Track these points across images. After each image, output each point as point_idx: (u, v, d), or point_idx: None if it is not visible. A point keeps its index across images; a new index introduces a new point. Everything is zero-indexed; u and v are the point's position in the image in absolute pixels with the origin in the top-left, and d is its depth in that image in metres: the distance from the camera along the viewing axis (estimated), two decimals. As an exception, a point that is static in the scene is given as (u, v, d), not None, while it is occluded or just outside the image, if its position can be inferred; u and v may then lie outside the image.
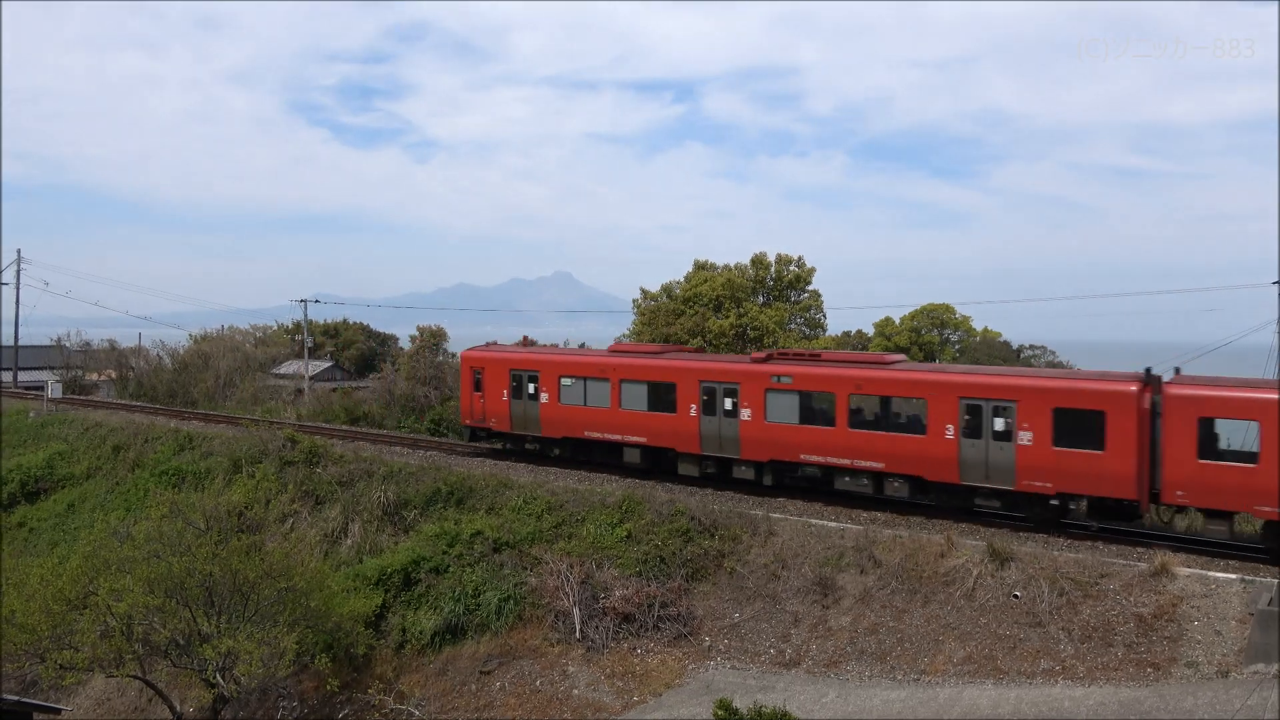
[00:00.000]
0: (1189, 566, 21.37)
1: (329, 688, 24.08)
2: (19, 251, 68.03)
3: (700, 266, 62.79)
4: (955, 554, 23.13)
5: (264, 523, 29.00)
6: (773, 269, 62.37)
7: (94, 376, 71.41)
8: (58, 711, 23.83)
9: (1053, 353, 61.14)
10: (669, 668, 22.86)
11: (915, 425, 26.20)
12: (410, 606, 26.16)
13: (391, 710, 23.74)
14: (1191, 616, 19.87)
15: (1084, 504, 24.22)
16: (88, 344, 75.26)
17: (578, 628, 23.95)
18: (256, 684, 23.16)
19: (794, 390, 28.12)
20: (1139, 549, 22.86)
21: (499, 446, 36.03)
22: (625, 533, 26.53)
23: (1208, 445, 22.41)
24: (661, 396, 30.79)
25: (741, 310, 57.95)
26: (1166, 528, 25.10)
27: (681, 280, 62.37)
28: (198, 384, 64.36)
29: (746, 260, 62.43)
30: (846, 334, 65.77)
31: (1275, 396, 21.66)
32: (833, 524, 25.83)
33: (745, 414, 28.86)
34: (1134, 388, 23.26)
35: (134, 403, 57.84)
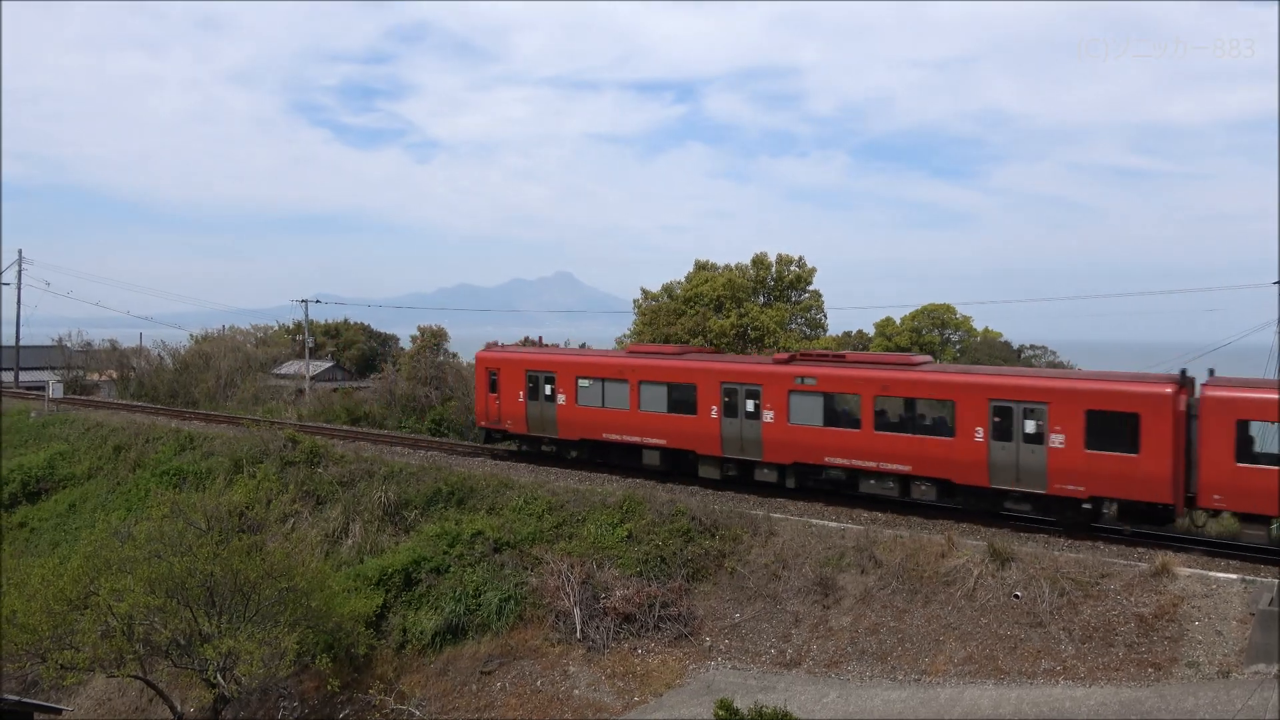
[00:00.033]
0: (1190, 567, 21.36)
1: (330, 688, 24.08)
2: (20, 251, 68.14)
3: (701, 267, 62.77)
4: (956, 554, 23.13)
5: (265, 523, 29.03)
6: (773, 269, 62.35)
7: (95, 377, 71.45)
8: (59, 711, 23.84)
9: (1053, 353, 61.08)
10: (670, 668, 22.85)
11: (943, 427, 25.85)
12: (411, 607, 26.17)
13: (392, 710, 23.74)
14: (1192, 617, 19.86)
15: (1115, 508, 23.87)
16: (89, 344, 75.29)
17: (578, 628, 23.95)
18: (257, 684, 23.17)
19: (818, 392, 27.75)
20: (1139, 549, 22.88)
21: (515, 448, 35.69)
22: (626, 533, 26.54)
23: (1245, 448, 22.05)
24: (682, 398, 30.41)
25: (742, 310, 57.94)
26: (1199, 532, 24.93)
27: (682, 280, 62.36)
28: (199, 384, 64.39)
29: (747, 260, 62.41)
30: (847, 334, 65.74)
31: None
32: (833, 524, 25.83)
33: (768, 416, 28.52)
34: (1169, 390, 22.89)
35: (135, 403, 57.85)
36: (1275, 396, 21.89)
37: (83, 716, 27.41)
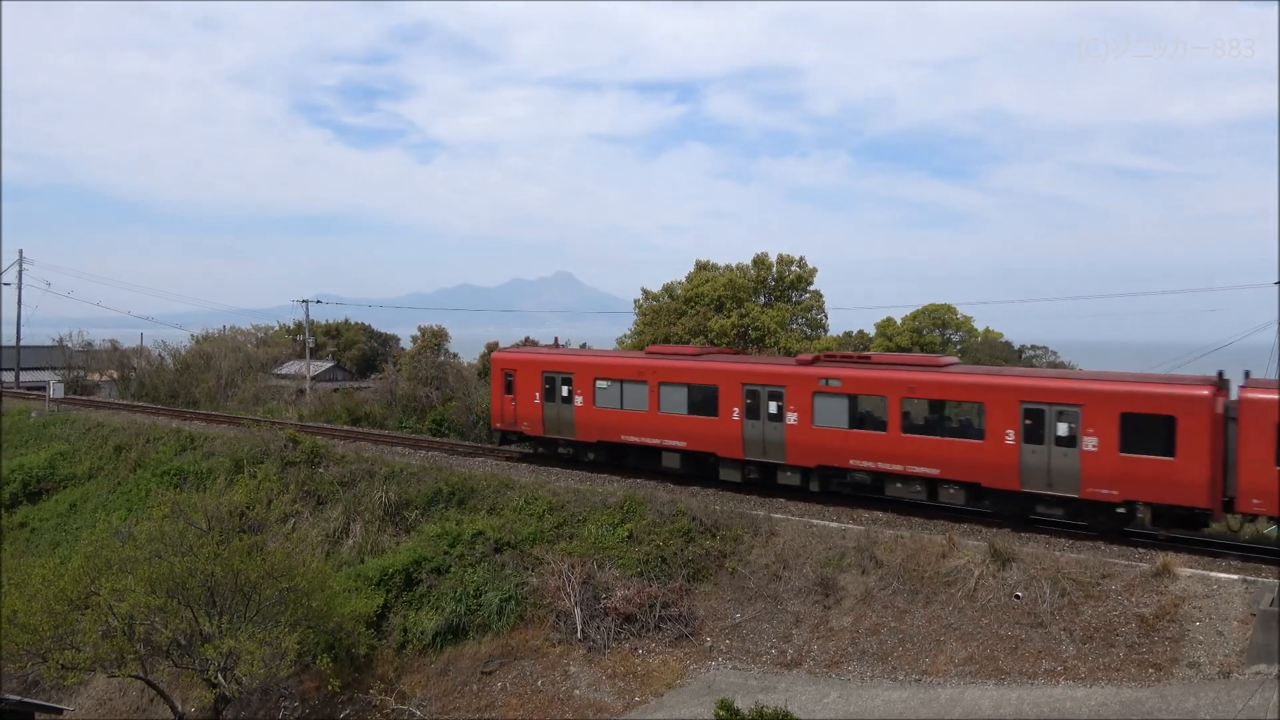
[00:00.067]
0: (1191, 567, 21.36)
1: (330, 688, 24.09)
2: (21, 252, 68.19)
3: (702, 267, 62.77)
4: (957, 554, 23.12)
5: (266, 523, 29.02)
6: (774, 269, 62.34)
7: (96, 377, 71.53)
8: (60, 711, 23.84)
9: (1054, 353, 61.03)
10: (670, 668, 22.85)
11: (972, 430, 25.52)
12: (412, 607, 26.17)
13: (393, 710, 23.75)
14: (1193, 617, 19.86)
15: (1149, 512, 23.48)
16: (89, 344, 75.38)
17: (579, 628, 23.95)
18: (258, 684, 23.15)
19: (843, 394, 27.35)
20: (1140, 550, 22.88)
21: (531, 450, 35.28)
22: (626, 533, 26.53)
23: None
24: (702, 400, 29.97)
25: (743, 311, 57.94)
26: (1233, 536, 24.71)
27: (683, 280, 62.37)
28: (199, 384, 64.41)
29: (748, 260, 62.40)
30: (848, 334, 65.68)
31: None
32: (834, 524, 25.82)
33: (791, 418, 28.13)
34: (1206, 392, 22.53)
35: (136, 403, 57.88)
36: None
37: (84, 716, 27.42)
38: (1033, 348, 62.12)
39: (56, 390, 57.82)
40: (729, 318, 57.32)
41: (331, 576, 26.39)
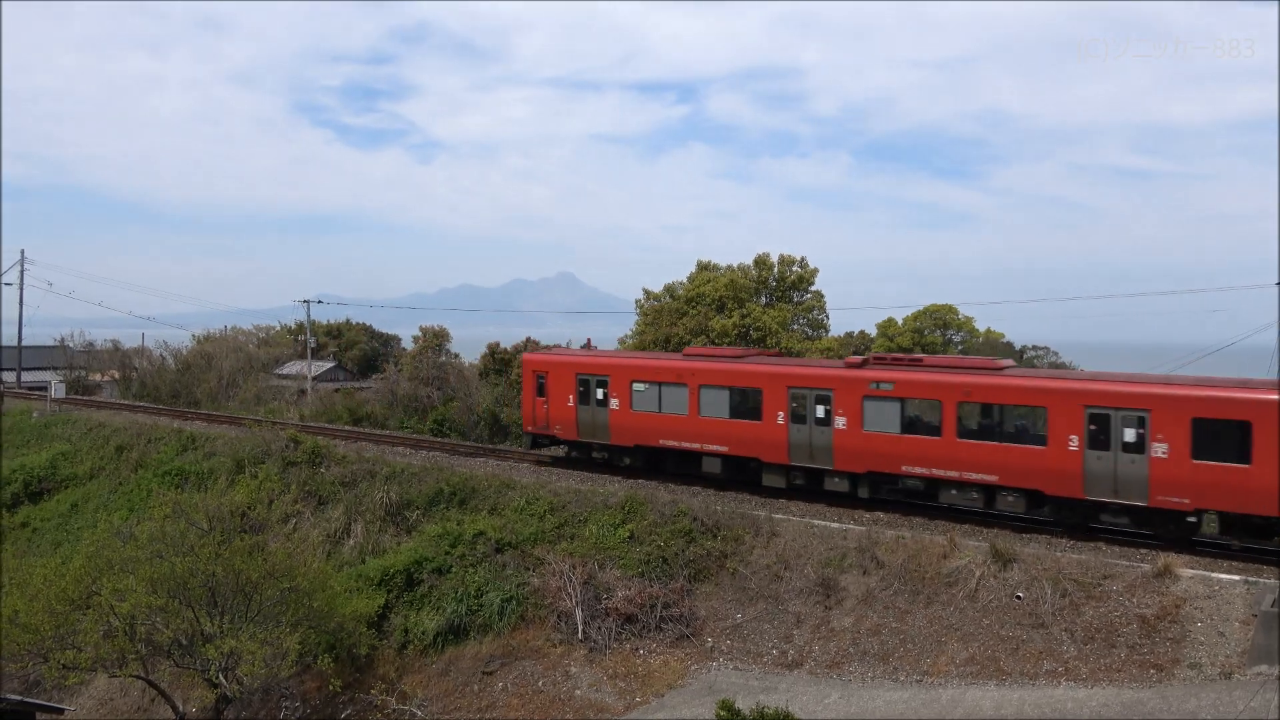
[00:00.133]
0: (1192, 568, 21.34)
1: (331, 688, 24.12)
2: (22, 252, 68.24)
3: (703, 267, 62.76)
4: (958, 555, 23.11)
5: (267, 523, 29.07)
6: (775, 269, 62.31)
7: (97, 377, 71.62)
8: (61, 711, 23.87)
9: (1055, 354, 61.01)
10: (671, 668, 22.86)
11: (1033, 435, 24.77)
12: (413, 607, 26.19)
13: (394, 711, 23.76)
14: (1195, 618, 19.84)
15: (1217, 522, 22.97)
16: (91, 344, 75.49)
17: (580, 628, 23.96)
18: (259, 684, 23.19)
19: (895, 397, 26.61)
20: (1141, 550, 22.86)
21: (563, 455, 34.71)
22: (628, 533, 26.54)
23: None
24: (745, 403, 29.18)
25: (744, 311, 57.93)
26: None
27: (684, 280, 62.36)
28: (201, 384, 64.48)
29: (749, 261, 62.37)
30: (849, 334, 65.67)
31: None
32: (835, 525, 25.81)
33: (839, 422, 27.35)
34: None
35: (137, 403, 57.93)
36: None
37: (85, 716, 27.44)
38: (1034, 348, 62.10)
39: (58, 390, 57.85)
40: (730, 318, 57.32)
41: (333, 577, 26.40)
